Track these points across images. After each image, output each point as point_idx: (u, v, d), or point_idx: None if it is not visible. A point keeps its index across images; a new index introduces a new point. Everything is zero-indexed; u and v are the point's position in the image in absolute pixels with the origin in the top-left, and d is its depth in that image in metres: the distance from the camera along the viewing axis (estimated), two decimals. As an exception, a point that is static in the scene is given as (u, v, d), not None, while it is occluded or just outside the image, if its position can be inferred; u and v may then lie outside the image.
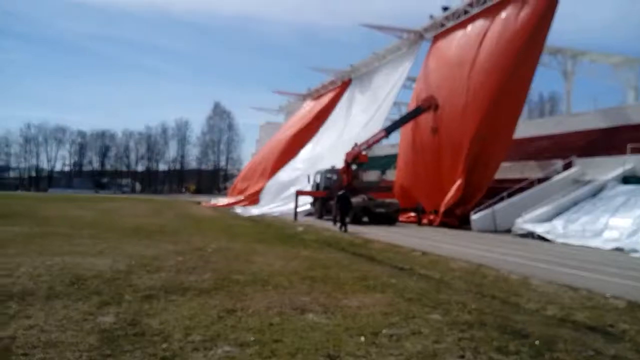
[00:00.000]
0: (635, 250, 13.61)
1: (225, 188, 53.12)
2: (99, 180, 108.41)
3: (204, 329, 4.99)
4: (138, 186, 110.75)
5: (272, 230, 19.06)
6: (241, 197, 42.42)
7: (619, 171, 19.77)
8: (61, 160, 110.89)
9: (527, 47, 22.50)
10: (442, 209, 23.03)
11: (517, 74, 22.51)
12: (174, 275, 8.05)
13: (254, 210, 33.15)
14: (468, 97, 24.75)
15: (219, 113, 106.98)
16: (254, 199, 38.92)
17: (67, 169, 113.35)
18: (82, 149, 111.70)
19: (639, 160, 19.81)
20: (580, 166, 21.98)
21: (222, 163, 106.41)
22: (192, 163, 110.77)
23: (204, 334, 4.84)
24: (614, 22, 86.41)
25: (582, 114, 30.53)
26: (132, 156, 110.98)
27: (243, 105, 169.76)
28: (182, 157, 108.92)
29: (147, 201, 51.17)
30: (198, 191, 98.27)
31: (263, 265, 9.46)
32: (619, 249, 14.15)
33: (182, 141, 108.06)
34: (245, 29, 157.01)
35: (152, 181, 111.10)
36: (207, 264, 9.38)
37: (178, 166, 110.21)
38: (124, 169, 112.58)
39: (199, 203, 48.75)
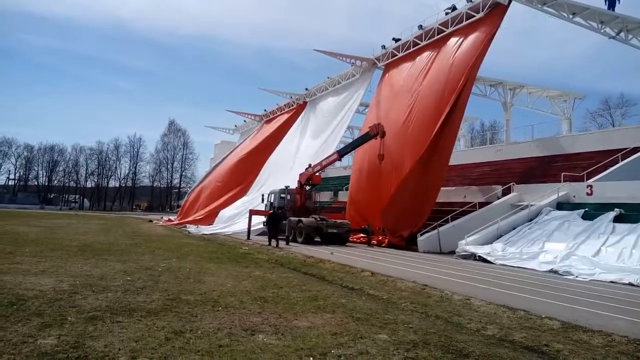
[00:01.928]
0: (568, 273, 14.49)
1: (179, 206, 51.92)
2: (45, 195, 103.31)
3: (151, 352, 4.94)
4: (87, 203, 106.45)
5: (224, 250, 18.93)
6: (199, 216, 41.60)
7: (553, 197, 21.06)
8: (5, 174, 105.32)
9: (464, 77, 24.03)
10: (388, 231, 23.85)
11: (455, 102, 23.84)
12: (121, 295, 7.96)
13: (207, 230, 32.72)
14: (411, 122, 26.18)
15: (174, 131, 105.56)
16: (207, 219, 38.35)
17: (11, 183, 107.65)
18: (28, 163, 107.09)
19: (572, 187, 21.21)
20: (519, 192, 23.23)
21: (176, 181, 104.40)
22: (144, 180, 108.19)
23: (151, 356, 4.81)
24: (550, 59, 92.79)
25: (521, 143, 32.55)
26: (82, 172, 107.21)
27: (199, 124, 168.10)
28: (135, 174, 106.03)
29: (95, 218, 49.35)
30: (150, 209, 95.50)
31: (214, 285, 9.49)
32: (553, 271, 15.02)
33: (135, 158, 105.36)
34: (204, 49, 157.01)
35: (101, 198, 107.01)
36: (157, 284, 9.31)
37: (130, 183, 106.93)
38: (73, 184, 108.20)
39: (150, 221, 47.51)
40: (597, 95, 77.17)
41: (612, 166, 21.97)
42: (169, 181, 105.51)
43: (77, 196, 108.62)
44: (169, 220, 47.71)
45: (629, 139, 24.33)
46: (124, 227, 34.11)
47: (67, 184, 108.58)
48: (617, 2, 23.20)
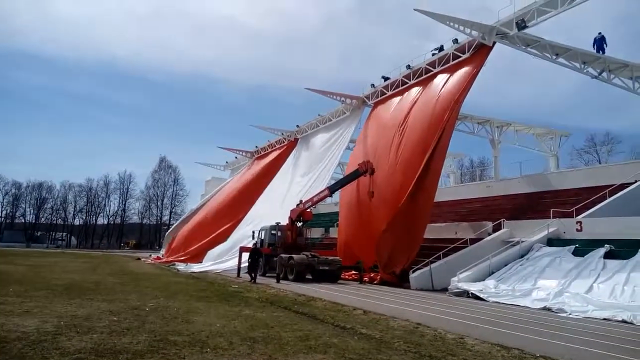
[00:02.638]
0: (561, 310, 14.40)
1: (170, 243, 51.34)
2: (32, 233, 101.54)
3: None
4: (74, 241, 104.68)
5: (214, 288, 18.62)
6: (187, 254, 41.01)
7: (544, 233, 21.16)
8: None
9: (448, 112, 24.66)
10: (380, 268, 23.69)
11: (440, 136, 24.30)
12: (106, 336, 7.76)
13: (196, 267, 32.26)
14: (399, 157, 26.54)
15: (165, 167, 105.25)
16: (196, 256, 37.86)
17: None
18: (15, 200, 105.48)
19: (561, 223, 21.34)
20: (509, 228, 23.32)
21: (166, 217, 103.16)
22: (133, 217, 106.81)
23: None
24: (535, 97, 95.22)
25: (509, 180, 32.93)
26: (70, 209, 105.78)
27: (189, 160, 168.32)
28: (124, 210, 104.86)
29: (82, 256, 48.47)
30: (138, 246, 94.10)
31: (202, 325, 9.29)
32: (547, 309, 14.91)
33: (125, 195, 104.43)
34: (197, 87, 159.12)
35: (89, 235, 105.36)
36: (143, 325, 9.09)
37: (118, 220, 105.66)
38: (60, 222, 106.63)
39: (138, 259, 46.84)
40: (582, 132, 79.02)
41: (600, 202, 22.20)
42: (158, 218, 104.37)
43: (65, 234, 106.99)
44: (158, 258, 46.98)
45: (615, 175, 24.71)
46: (111, 265, 33.54)
47: (54, 222, 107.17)
48: (605, 47, 24.13)
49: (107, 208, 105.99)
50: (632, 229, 18.11)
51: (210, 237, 40.14)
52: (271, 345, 7.71)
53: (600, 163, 44.68)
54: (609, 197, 22.39)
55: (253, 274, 22.70)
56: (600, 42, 24.21)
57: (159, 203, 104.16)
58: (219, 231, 40.46)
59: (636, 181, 23.25)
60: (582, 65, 24.59)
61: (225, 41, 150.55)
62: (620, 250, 17.42)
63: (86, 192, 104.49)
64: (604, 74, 24.58)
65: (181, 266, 34.73)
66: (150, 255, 51.89)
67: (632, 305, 13.72)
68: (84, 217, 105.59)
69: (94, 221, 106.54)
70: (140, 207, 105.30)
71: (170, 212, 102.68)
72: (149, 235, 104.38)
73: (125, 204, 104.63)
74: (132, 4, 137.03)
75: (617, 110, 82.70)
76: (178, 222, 58.44)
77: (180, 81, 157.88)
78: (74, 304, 11.54)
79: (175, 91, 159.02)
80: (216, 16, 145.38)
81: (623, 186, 23.07)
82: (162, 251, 52.70)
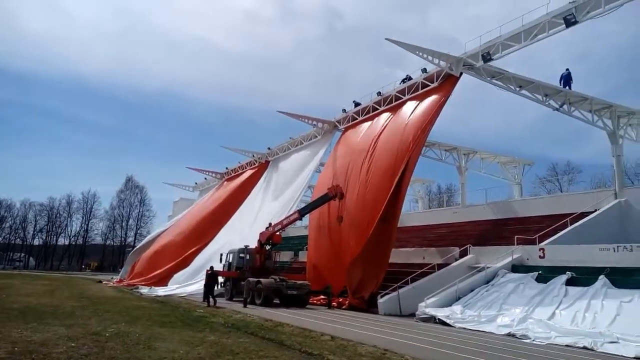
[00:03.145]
0: (525, 336, 14.63)
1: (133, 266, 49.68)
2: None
3: None
4: (32, 262, 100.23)
5: (178, 313, 18.12)
6: (152, 277, 39.80)
7: (508, 259, 21.59)
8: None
9: (414, 139, 25.31)
10: (349, 292, 23.66)
11: (409, 160, 24.91)
12: (64, 364, 7.45)
13: (160, 291, 31.36)
14: (369, 181, 26.93)
15: (131, 187, 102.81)
16: (161, 280, 36.84)
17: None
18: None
19: (525, 250, 21.85)
20: (475, 254, 23.73)
21: (130, 239, 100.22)
22: (96, 238, 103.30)
23: None
24: (501, 126, 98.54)
25: (475, 206, 33.70)
26: (30, 228, 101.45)
27: (157, 180, 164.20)
28: (86, 231, 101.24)
29: (41, 278, 46.32)
30: (100, 268, 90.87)
31: (165, 352, 9.03)
32: (511, 335, 15.13)
33: (88, 214, 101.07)
34: (167, 106, 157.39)
35: (49, 256, 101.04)
36: (103, 351, 8.80)
37: (80, 241, 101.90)
38: (19, 242, 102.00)
39: (100, 281, 45.21)
40: (545, 161, 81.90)
41: (562, 230, 22.90)
42: (122, 239, 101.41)
43: (23, 254, 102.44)
44: (120, 280, 45.49)
45: (576, 204, 25.62)
46: (71, 288, 32.25)
47: (12, 242, 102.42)
48: (571, 82, 25.31)
49: (69, 228, 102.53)
50: (592, 256, 18.72)
51: (177, 260, 39.23)
52: (236, 372, 7.53)
53: (561, 192, 46.27)
54: (570, 225, 23.14)
55: (209, 299, 22.47)
56: (567, 78, 25.39)
57: (123, 224, 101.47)
58: (185, 254, 39.63)
59: (595, 210, 24.19)
60: (544, 98, 25.64)
61: (198, 61, 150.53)
62: (581, 277, 17.91)
63: (47, 211, 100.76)
64: (565, 107, 25.69)
65: (145, 289, 33.70)
66: (113, 278, 50.19)
67: (592, 332, 14.04)
68: (44, 237, 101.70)
69: (55, 241, 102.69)
70: (104, 228, 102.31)
71: (136, 234, 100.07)
72: (112, 257, 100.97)
73: (88, 224, 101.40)
74: (102, 20, 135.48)
75: (578, 141, 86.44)
76: (142, 243, 56.85)
77: (150, 100, 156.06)
78: (30, 329, 11.05)
79: (145, 110, 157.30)
80: (189, 36, 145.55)
81: (583, 215, 23.93)
82: (122, 273, 50.92)
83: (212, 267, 24.46)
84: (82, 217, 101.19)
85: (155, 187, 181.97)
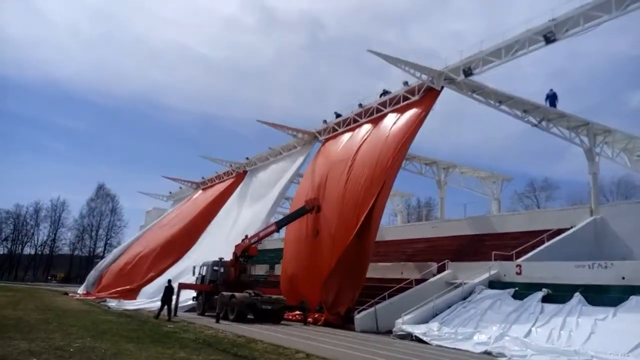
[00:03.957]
0: (502, 355, 14.44)
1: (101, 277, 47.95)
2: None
3: None
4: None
5: (147, 328, 17.40)
6: (122, 289, 38.46)
7: (485, 276, 21.50)
8: None
9: (395, 152, 25.35)
10: (325, 308, 23.27)
11: (388, 173, 24.82)
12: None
13: (130, 304, 30.31)
14: (347, 193, 26.66)
15: (102, 195, 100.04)
16: (130, 293, 35.66)
17: None
18: None
19: (502, 266, 21.83)
20: (453, 269, 23.61)
21: (100, 249, 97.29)
22: (64, 248, 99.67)
23: None
24: (481, 141, 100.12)
25: (454, 221, 33.77)
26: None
27: (131, 189, 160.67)
28: (54, 240, 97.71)
29: (4, 289, 44.37)
30: (67, 280, 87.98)
31: (130, 371, 8.47)
32: (487, 353, 14.94)
33: (56, 223, 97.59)
34: (143, 113, 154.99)
35: (13, 266, 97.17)
36: (64, 369, 8.20)
37: (47, 250, 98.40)
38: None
39: (66, 293, 43.69)
40: (523, 177, 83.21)
41: (538, 246, 23.00)
42: (91, 250, 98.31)
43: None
44: (87, 293, 43.93)
45: (553, 220, 25.86)
46: (35, 300, 31.05)
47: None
48: (556, 101, 25.74)
49: (36, 237, 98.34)
50: (568, 273, 18.77)
51: (148, 273, 38.10)
52: (203, 395, 7.05)
53: (539, 208, 46.97)
54: (547, 241, 23.28)
55: (162, 311, 21.79)
56: (552, 98, 25.86)
57: (93, 234, 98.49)
58: (157, 267, 38.53)
59: (572, 227, 24.41)
60: (524, 114, 25.98)
61: (177, 68, 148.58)
62: (557, 294, 17.93)
63: (13, 219, 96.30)
64: (544, 123, 26.07)
65: (113, 303, 32.53)
66: (79, 291, 48.44)
67: (568, 350, 14.00)
68: (9, 246, 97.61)
69: (20, 251, 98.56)
70: (73, 238, 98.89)
71: (105, 244, 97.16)
72: (80, 268, 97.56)
73: (55, 233, 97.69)
74: (79, 25, 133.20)
75: (556, 157, 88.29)
76: (111, 254, 55.21)
77: (126, 107, 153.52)
78: (-13, 344, 10.36)
79: (121, 117, 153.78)
80: (169, 43, 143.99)
81: (560, 231, 24.12)
82: (87, 286, 49.12)
83: (169, 281, 23.83)
84: (50, 226, 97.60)
85: (128, 196, 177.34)
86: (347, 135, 32.50)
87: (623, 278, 17.27)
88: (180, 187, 59.69)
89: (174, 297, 22.97)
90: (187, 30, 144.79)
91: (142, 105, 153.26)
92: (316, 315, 23.74)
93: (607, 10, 19.07)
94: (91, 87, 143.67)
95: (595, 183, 25.92)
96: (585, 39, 20.71)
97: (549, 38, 20.81)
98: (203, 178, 54.34)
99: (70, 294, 42.76)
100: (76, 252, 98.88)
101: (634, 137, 27.03)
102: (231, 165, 48.04)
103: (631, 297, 15.73)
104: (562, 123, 26.21)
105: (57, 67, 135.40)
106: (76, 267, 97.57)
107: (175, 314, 23.73)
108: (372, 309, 21.30)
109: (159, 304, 27.81)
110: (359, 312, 21.42)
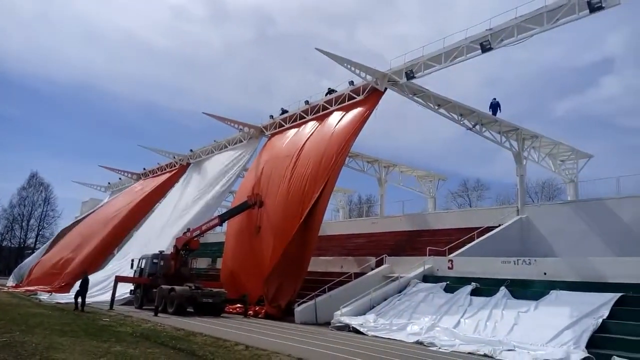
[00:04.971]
0: (432, 344, 15.31)
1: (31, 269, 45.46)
2: None
3: None
4: None
5: (81, 322, 16.91)
6: (55, 283, 36.67)
7: (420, 270, 22.52)
8: None
9: (339, 149, 25.96)
10: (266, 301, 23.54)
11: (332, 169, 25.39)
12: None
13: (62, 298, 29.05)
14: (291, 188, 27.08)
15: (35, 184, 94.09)
16: (64, 287, 34.10)
17: None
18: None
19: (435, 261, 22.91)
20: (390, 263, 24.50)
21: (31, 240, 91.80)
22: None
23: None
24: (420, 143, 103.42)
25: (393, 217, 35.04)
26: None
27: (66, 178, 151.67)
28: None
29: None
30: None
31: (64, 365, 8.37)
32: (419, 342, 15.78)
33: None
34: (83, 99, 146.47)
35: None
36: (-9, 364, 7.99)
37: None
38: None
39: (-8, 286, 41.08)
40: (457, 177, 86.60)
41: (469, 243, 24.39)
42: (22, 240, 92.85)
43: None
44: (17, 285, 41.62)
45: (483, 218, 27.48)
46: (-43, 292, 29.08)
47: None
48: (498, 110, 27.35)
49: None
50: (495, 268, 20.05)
51: (82, 265, 36.54)
52: (142, 386, 7.16)
53: (470, 206, 49.40)
54: (477, 238, 24.71)
55: (77, 303, 21.88)
56: (495, 107, 27.43)
57: (24, 224, 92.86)
58: (92, 259, 37.11)
59: (500, 225, 26.06)
60: (459, 117, 27.32)
61: (119, 55, 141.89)
62: (485, 287, 19.12)
63: None
64: (477, 127, 27.54)
65: (44, 296, 31.10)
66: (7, 283, 45.80)
67: (493, 340, 14.97)
68: None
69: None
70: (1, 228, 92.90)
71: (37, 235, 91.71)
72: (9, 259, 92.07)
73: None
74: (15, 2, 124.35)
75: (487, 159, 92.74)
76: (44, 246, 52.49)
77: (64, 92, 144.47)
78: None
79: (58, 102, 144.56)
80: (112, 27, 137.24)
81: (489, 229, 25.68)
82: (16, 277, 46.64)
83: (85, 272, 24.20)
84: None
85: (62, 185, 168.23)
86: (292, 131, 32.82)
87: (545, 274, 18.62)
88: (120, 178, 57.55)
89: (112, 292, 22.52)
90: (131, 14, 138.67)
91: (81, 92, 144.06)
92: (257, 308, 23.96)
93: (539, 23, 20.46)
94: (26, 71, 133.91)
95: (522, 184, 27.77)
96: (518, 48, 22.11)
97: (485, 47, 22.05)
98: (144, 169, 52.73)
99: (-3, 287, 40.36)
100: (5, 243, 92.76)
101: (558, 142, 29.11)
102: (174, 157, 46.95)
103: (551, 291, 17.05)
104: (494, 127, 27.83)
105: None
106: (5, 259, 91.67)
107: (111, 307, 23.21)
108: (312, 302, 21.79)
109: (96, 298, 26.90)
110: (299, 305, 21.85)
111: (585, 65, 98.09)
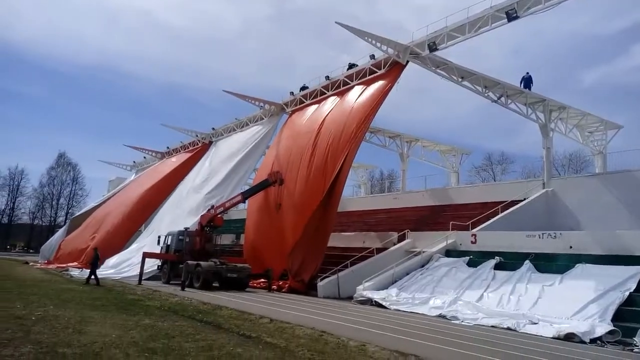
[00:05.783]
0: (455, 318, 15.41)
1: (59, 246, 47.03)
2: None
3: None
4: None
5: (112, 296, 17.50)
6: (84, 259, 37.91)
7: (443, 244, 22.52)
8: None
9: (359, 123, 25.74)
10: (290, 275, 23.85)
11: (352, 143, 25.28)
12: (-17, 349, 6.99)
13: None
14: (312, 163, 27.00)
15: (63, 164, 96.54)
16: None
17: None
18: None
19: (458, 235, 22.86)
20: (412, 238, 24.54)
21: (61, 219, 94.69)
22: (23, 217, 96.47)
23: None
24: (442, 116, 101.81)
25: (415, 192, 34.82)
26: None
27: (92, 158, 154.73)
28: (12, 209, 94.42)
29: (-40, 259, 43.14)
30: (28, 249, 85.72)
31: (96, 336, 8.69)
32: (442, 316, 15.89)
33: (15, 192, 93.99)
34: (104, 81, 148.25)
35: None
36: (28, 335, 8.35)
37: (6, 220, 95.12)
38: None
39: (26, 263, 42.61)
40: (481, 151, 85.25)
41: (493, 217, 24.13)
42: (52, 219, 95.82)
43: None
44: (49, 262, 43.12)
45: (507, 192, 27.05)
46: (-6, 269, 30.29)
47: None
48: (531, 84, 26.55)
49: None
50: (519, 242, 19.88)
51: (111, 242, 37.60)
52: (171, 356, 7.40)
53: (495, 180, 48.65)
54: (501, 212, 24.41)
55: (90, 278, 22.82)
56: (527, 82, 26.69)
57: (54, 203, 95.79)
58: (120, 236, 38.13)
59: (525, 199, 25.65)
60: (484, 89, 26.69)
61: (139, 35, 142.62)
62: (508, 262, 19.03)
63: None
64: (503, 99, 26.89)
65: (75, 272, 32.19)
66: (40, 260, 47.51)
67: (516, 313, 14.97)
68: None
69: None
70: (32, 207, 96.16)
71: (67, 213, 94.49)
72: (40, 237, 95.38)
73: (14, 202, 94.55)
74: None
75: (513, 132, 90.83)
76: (66, 224, 54.02)
77: (85, 73, 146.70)
78: (-56, 314, 10.29)
79: (80, 83, 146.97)
80: (132, 8, 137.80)
81: (513, 203, 25.32)
82: (45, 255, 48.31)
83: (96, 249, 24.88)
84: (8, 195, 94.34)
85: (89, 165, 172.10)
86: (313, 107, 32.60)
87: (570, 247, 18.38)
88: (144, 157, 58.48)
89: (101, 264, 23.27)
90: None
91: (102, 73, 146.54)
92: (280, 283, 24.37)
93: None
94: (49, 52, 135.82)
95: (548, 157, 27.12)
96: (544, 16, 21.32)
97: (511, 15, 21.30)
98: (168, 148, 53.37)
99: (30, 263, 41.89)
100: (36, 222, 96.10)
101: (586, 113, 28.21)
102: (197, 135, 47.34)
103: (577, 265, 16.87)
104: (520, 99, 27.09)
105: (9, 29, 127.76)
106: (37, 237, 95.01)
107: (139, 283, 23.91)
108: (334, 277, 22.02)
109: (125, 274, 27.71)
110: (322, 280, 22.11)
111: (615, 33, 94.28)
